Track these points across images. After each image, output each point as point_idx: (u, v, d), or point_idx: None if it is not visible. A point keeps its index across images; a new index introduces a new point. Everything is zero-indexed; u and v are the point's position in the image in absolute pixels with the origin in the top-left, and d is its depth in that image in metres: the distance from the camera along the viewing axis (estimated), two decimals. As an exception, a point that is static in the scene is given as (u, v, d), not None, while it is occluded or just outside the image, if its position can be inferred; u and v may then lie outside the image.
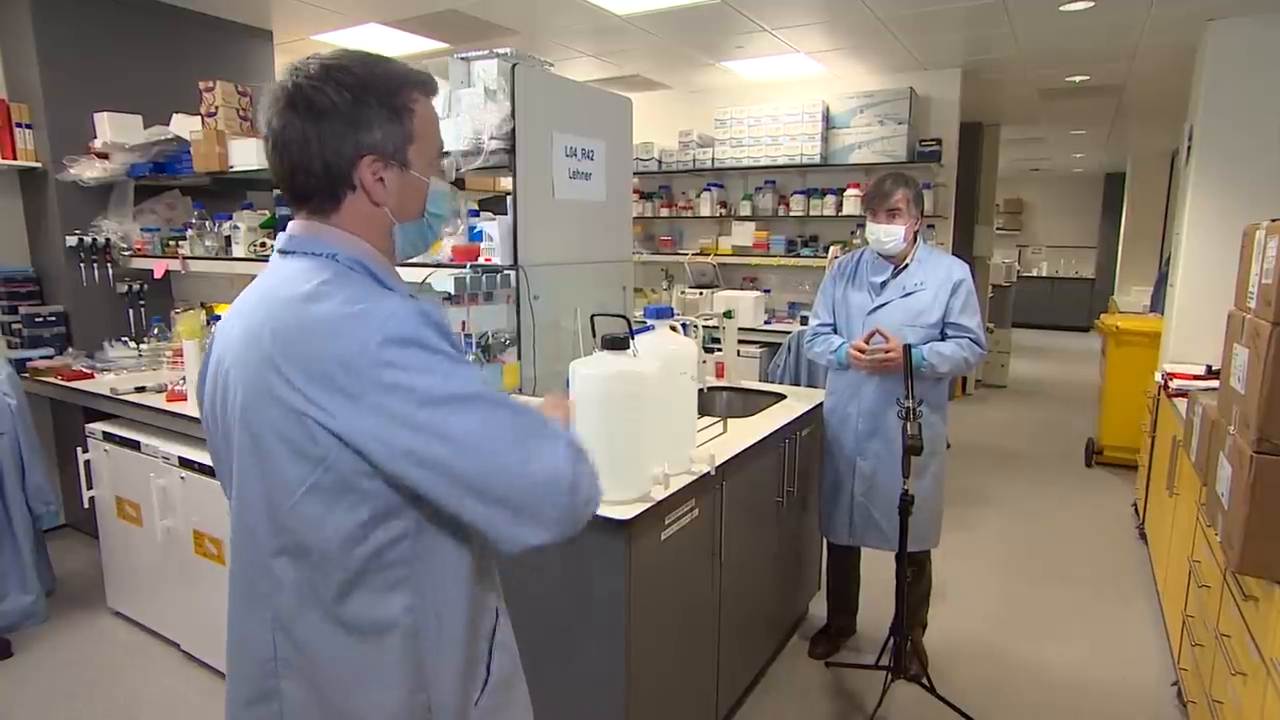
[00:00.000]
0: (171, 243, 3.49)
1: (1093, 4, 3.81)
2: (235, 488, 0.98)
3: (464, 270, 2.39)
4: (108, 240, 3.54)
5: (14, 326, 3.55)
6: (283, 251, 1.00)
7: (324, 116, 0.93)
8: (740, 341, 4.35)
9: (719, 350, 3.35)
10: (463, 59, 2.49)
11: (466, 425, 0.88)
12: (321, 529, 0.92)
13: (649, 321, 2.06)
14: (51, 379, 3.23)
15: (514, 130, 2.38)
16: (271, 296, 0.95)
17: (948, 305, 2.48)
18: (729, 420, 2.47)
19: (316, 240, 0.98)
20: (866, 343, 2.48)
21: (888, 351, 2.42)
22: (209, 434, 1.07)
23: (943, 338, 2.50)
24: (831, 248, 5.05)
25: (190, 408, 2.70)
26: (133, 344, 3.52)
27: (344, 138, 0.94)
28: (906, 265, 2.53)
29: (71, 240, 3.53)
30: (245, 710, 1.01)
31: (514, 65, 2.39)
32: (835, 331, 2.67)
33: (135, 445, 2.72)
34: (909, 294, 2.51)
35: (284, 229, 1.03)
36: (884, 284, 2.55)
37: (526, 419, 0.93)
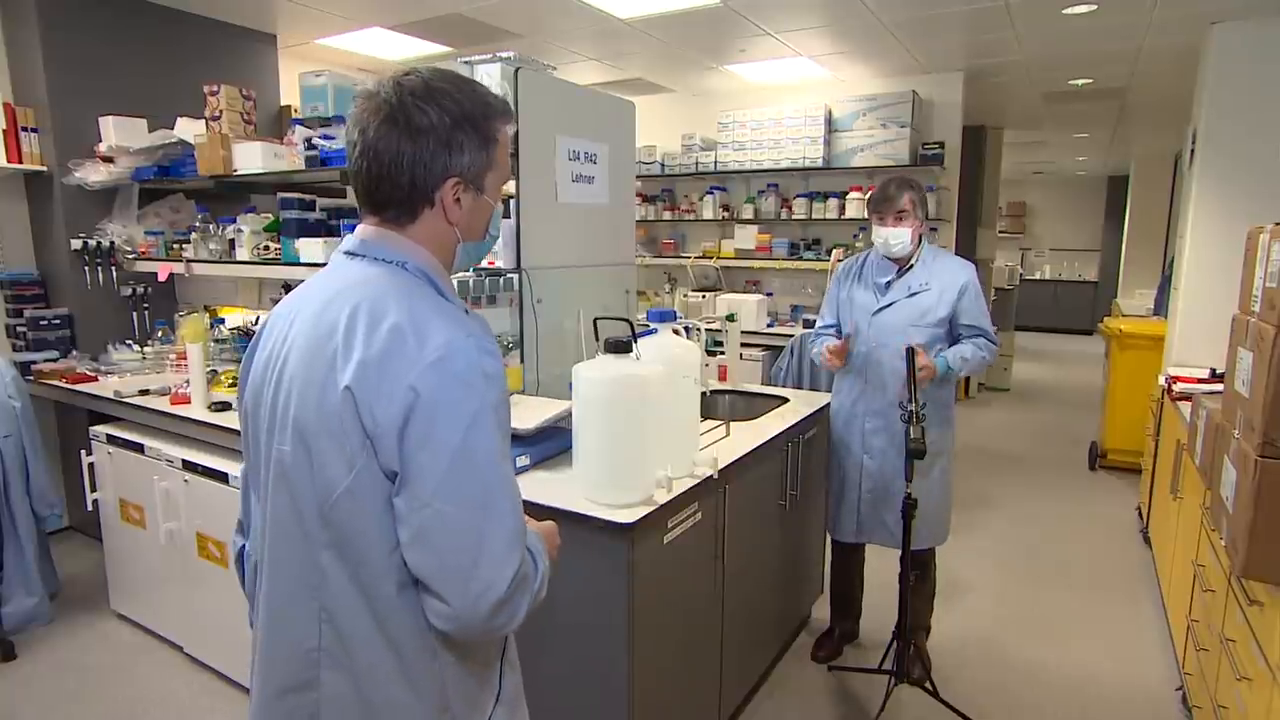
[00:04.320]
0: (175, 246, 3.50)
1: (1095, 7, 3.81)
2: (275, 477, 0.99)
3: (468, 274, 2.40)
4: (112, 243, 3.55)
5: (19, 329, 3.56)
6: (350, 253, 1.03)
7: (422, 135, 0.96)
8: (743, 345, 4.37)
9: (722, 353, 3.35)
10: (466, 63, 2.50)
11: (451, 493, 0.90)
12: (360, 529, 0.94)
13: (652, 325, 2.06)
14: (56, 382, 3.23)
15: (517, 134, 2.38)
16: (343, 299, 0.96)
17: (957, 308, 2.50)
18: (732, 423, 2.47)
19: (387, 247, 1.01)
20: (845, 344, 2.54)
21: (922, 368, 2.33)
22: (248, 419, 1.08)
23: (953, 339, 2.53)
24: (834, 251, 5.06)
25: (194, 410, 2.70)
26: (137, 347, 3.52)
27: (436, 158, 0.97)
28: (911, 266, 2.56)
29: (76, 243, 3.54)
30: (278, 699, 1.02)
31: (517, 69, 2.40)
32: (839, 333, 2.68)
33: (139, 448, 2.73)
34: (914, 294, 2.53)
35: (349, 230, 1.05)
36: (889, 284, 2.57)
37: (501, 515, 0.93)
